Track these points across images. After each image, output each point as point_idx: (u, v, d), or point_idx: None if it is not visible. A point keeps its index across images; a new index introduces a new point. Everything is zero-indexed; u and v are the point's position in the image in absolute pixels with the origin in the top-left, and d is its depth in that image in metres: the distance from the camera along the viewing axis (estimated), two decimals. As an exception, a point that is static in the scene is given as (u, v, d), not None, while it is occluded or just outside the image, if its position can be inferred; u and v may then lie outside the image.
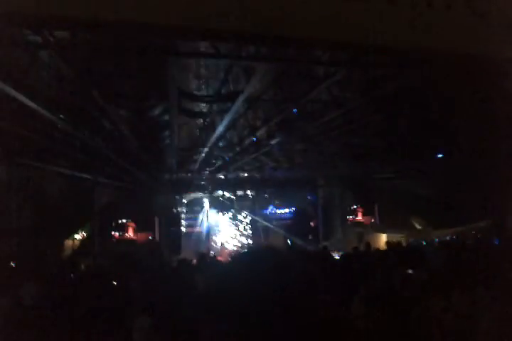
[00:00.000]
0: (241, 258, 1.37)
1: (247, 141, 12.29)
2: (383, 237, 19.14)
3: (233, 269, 1.32)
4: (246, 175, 16.99)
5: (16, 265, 9.37)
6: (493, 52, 4.50)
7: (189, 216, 20.26)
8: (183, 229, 18.91)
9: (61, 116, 8.26)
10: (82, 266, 11.47)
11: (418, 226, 20.00)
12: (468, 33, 4.43)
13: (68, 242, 15.16)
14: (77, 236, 15.83)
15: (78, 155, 11.26)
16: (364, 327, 4.19)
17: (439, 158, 14.69)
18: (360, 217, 20.36)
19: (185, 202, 18.73)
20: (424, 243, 14.26)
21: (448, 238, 15.79)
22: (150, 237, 17.08)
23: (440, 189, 16.51)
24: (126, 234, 16.90)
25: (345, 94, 8.80)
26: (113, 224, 16.78)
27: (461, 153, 13.38)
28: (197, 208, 20.74)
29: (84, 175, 13.75)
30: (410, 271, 7.87)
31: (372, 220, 20.30)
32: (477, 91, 8.06)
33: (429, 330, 4.11)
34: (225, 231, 20.67)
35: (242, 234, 20.78)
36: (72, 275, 9.24)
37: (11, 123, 7.73)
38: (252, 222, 20.71)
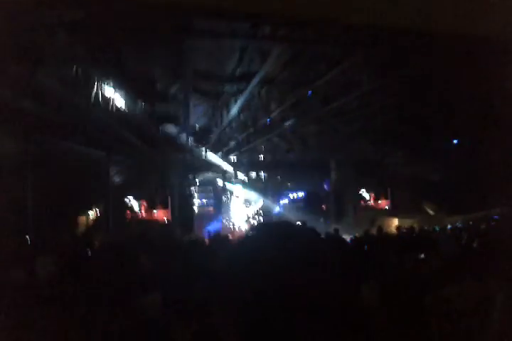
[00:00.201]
0: (255, 234, 1.37)
1: (260, 123, 12.26)
2: (395, 222, 19.12)
3: (245, 248, 1.33)
4: (259, 156, 16.99)
5: (30, 239, 9.52)
6: (494, 34, 4.41)
7: (202, 195, 20.37)
8: (195, 208, 19.03)
9: (76, 92, 8.27)
10: (95, 243, 11.65)
11: (430, 212, 19.93)
12: (469, 14, 4.33)
13: (82, 218, 15.33)
14: (91, 213, 16.00)
15: (93, 132, 11.31)
16: (375, 316, 4.22)
17: (454, 143, 14.57)
18: (372, 201, 20.34)
19: (198, 181, 18.79)
20: (437, 229, 14.18)
21: (460, 224, 15.70)
22: (163, 216, 17.21)
23: (453, 175, 16.40)
24: (139, 212, 17.05)
25: (360, 77, 8.71)
26: (126, 201, 16.92)
27: (476, 140, 13.25)
28: (209, 188, 20.83)
29: (99, 152, 13.84)
30: (422, 257, 7.88)
31: (385, 204, 20.28)
32: (490, 75, 7.92)
33: (440, 319, 4.12)
34: (238, 211, 20.78)
35: (254, 215, 20.88)
36: (85, 250, 9.38)
37: (24, 100, 7.76)
38: (264, 204, 20.78)
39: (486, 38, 4.46)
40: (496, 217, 14.28)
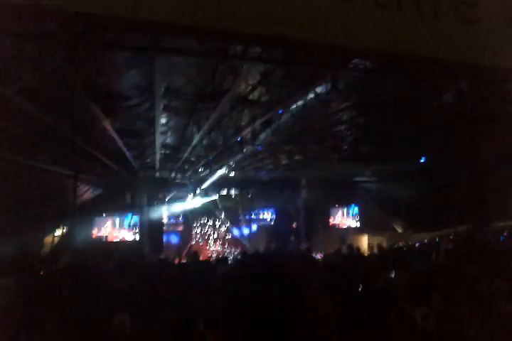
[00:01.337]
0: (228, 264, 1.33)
1: (231, 141, 12.24)
2: (365, 239, 19.28)
3: (217, 273, 1.28)
4: (230, 174, 16.93)
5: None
6: (481, 60, 4.53)
7: (171, 214, 20.18)
8: (164, 227, 18.80)
9: (42, 109, 8.12)
10: (61, 263, 11.37)
11: (399, 229, 20.18)
12: (456, 41, 4.44)
13: (48, 238, 14.97)
14: (58, 233, 15.64)
15: (59, 149, 11.12)
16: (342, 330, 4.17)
17: (422, 162, 14.83)
18: (342, 219, 20.46)
19: (167, 200, 18.61)
20: (405, 246, 14.36)
21: (426, 241, 15.94)
22: (131, 235, 16.91)
23: (421, 193, 16.67)
24: (106, 232, 16.72)
25: (330, 97, 8.80)
26: (93, 220, 16.59)
27: (444, 159, 13.51)
28: (179, 207, 20.64)
29: (66, 171, 13.60)
30: (392, 274, 7.93)
31: (354, 222, 20.43)
32: (461, 97, 8.13)
33: (408, 333, 4.11)
34: (207, 230, 20.61)
35: (224, 233, 20.75)
36: (50, 271, 9.15)
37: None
38: (234, 222, 20.68)
39: (451, 60, 4.55)
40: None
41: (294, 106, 9.28)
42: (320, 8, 4.00)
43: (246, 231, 20.60)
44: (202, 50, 6.08)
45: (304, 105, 8.91)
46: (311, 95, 8.33)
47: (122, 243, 16.53)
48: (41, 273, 9.41)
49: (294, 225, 20.66)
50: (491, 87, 6.12)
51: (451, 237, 14.85)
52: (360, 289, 5.86)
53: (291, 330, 1.07)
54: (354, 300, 5.24)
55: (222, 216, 20.66)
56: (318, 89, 8.11)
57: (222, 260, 11.43)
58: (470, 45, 4.48)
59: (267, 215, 21.43)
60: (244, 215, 20.97)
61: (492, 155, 11.34)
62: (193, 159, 15.52)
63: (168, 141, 13.13)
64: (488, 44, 4.53)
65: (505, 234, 13.98)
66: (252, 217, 21.28)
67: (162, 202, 18.19)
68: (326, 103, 9.09)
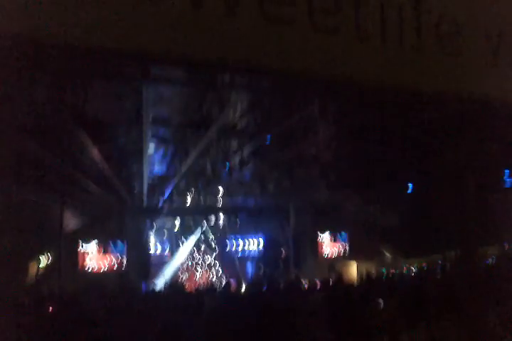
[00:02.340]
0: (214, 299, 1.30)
1: (219, 168, 12.27)
2: (353, 265, 19.16)
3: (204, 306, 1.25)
4: (217, 201, 16.87)
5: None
6: (466, 92, 4.60)
7: (158, 241, 19.96)
8: (151, 254, 18.54)
9: (30, 136, 8.10)
10: (46, 292, 11.13)
11: (388, 255, 20.12)
12: (441, 73, 4.51)
13: (32, 267, 14.71)
14: (42, 261, 15.38)
15: (46, 176, 11.05)
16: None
17: (409, 189, 14.94)
18: (330, 246, 20.37)
19: (155, 228, 18.42)
20: (394, 273, 14.29)
21: (416, 267, 15.89)
22: (118, 264, 16.67)
23: (410, 218, 16.71)
24: (93, 260, 16.48)
25: (316, 125, 8.89)
26: (80, 248, 16.35)
27: (430, 185, 13.61)
28: (167, 234, 20.45)
29: (52, 197, 13.47)
30: (381, 301, 7.87)
31: (343, 248, 20.34)
32: (447, 129, 8.23)
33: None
34: (195, 258, 20.36)
35: (212, 261, 20.52)
36: (35, 300, 8.93)
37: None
38: (223, 249, 20.47)
39: (435, 92, 4.62)
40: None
41: (281, 134, 9.35)
42: (306, 41, 4.06)
43: (235, 259, 20.36)
44: (189, 80, 6.14)
45: (291, 133, 8.97)
46: (297, 124, 8.42)
47: (109, 271, 16.28)
48: (24, 303, 9.20)
49: (283, 253, 20.49)
50: (474, 117, 6.21)
51: (439, 262, 14.82)
52: (349, 318, 5.81)
53: None
54: (344, 328, 5.19)
55: (210, 243, 20.46)
56: (306, 118, 8.20)
57: (209, 291, 11.25)
58: (453, 77, 4.55)
59: (256, 243, 21.26)
60: (233, 243, 20.78)
61: (477, 182, 11.43)
62: (181, 186, 15.48)
63: (156, 168, 13.12)
64: (471, 75, 4.61)
65: (491, 259, 13.99)
66: (241, 245, 21.09)
67: (149, 230, 18.00)
68: (313, 130, 9.17)
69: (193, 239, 20.04)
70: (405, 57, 4.41)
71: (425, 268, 14.63)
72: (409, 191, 15.06)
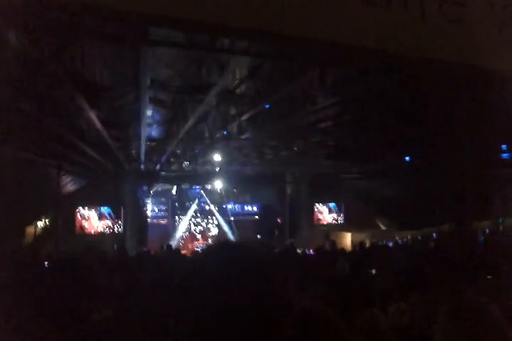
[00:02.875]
0: (210, 253, 1.29)
1: (217, 134, 12.21)
2: (348, 236, 19.38)
3: (199, 264, 1.25)
4: (215, 168, 16.91)
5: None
6: (469, 60, 4.54)
7: (155, 207, 20.12)
8: (148, 220, 18.71)
9: (27, 99, 8.01)
10: (44, 254, 11.26)
11: (382, 227, 20.32)
12: (444, 41, 4.45)
13: (30, 229, 14.83)
14: (40, 224, 15.51)
15: (44, 140, 11.00)
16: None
17: (407, 161, 14.94)
18: (326, 216, 20.55)
19: (152, 193, 18.52)
20: (390, 244, 14.45)
21: (409, 239, 16.06)
22: (115, 227, 16.81)
23: (405, 191, 16.79)
24: (90, 223, 16.61)
25: (317, 93, 8.80)
26: (77, 212, 16.47)
27: (429, 158, 13.61)
28: (164, 200, 20.58)
29: (50, 161, 13.46)
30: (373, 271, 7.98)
31: (338, 219, 20.54)
32: (449, 97, 8.17)
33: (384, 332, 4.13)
34: (192, 224, 20.55)
35: (209, 228, 20.71)
36: (32, 262, 9.05)
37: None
38: (219, 216, 20.63)
39: (437, 60, 4.57)
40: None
41: (282, 101, 9.28)
42: (308, 4, 3.98)
43: (231, 225, 20.55)
44: (189, 43, 6.04)
45: (290, 99, 8.91)
46: (298, 91, 8.34)
47: (105, 235, 16.45)
48: (23, 264, 9.32)
49: (279, 220, 20.68)
50: (475, 87, 6.16)
51: (434, 235, 14.97)
52: (339, 284, 5.88)
53: (264, 321, 1.06)
54: (333, 294, 5.25)
55: (207, 210, 20.61)
56: (306, 85, 8.12)
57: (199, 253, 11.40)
58: (456, 45, 4.49)
59: (252, 210, 21.44)
60: (230, 209, 20.94)
61: (476, 155, 11.45)
62: (178, 152, 15.46)
63: (154, 133, 13.06)
64: (473, 44, 4.55)
65: (487, 232, 14.14)
66: (238, 211, 21.27)
67: (147, 194, 18.10)
68: (312, 98, 9.09)
69: (189, 204, 20.21)
70: (408, 23, 4.35)
71: (420, 240, 14.80)
72: (406, 163, 15.07)
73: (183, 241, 19.77)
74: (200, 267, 1.21)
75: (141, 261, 8.91)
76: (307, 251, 12.53)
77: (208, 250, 1.37)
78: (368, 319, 3.59)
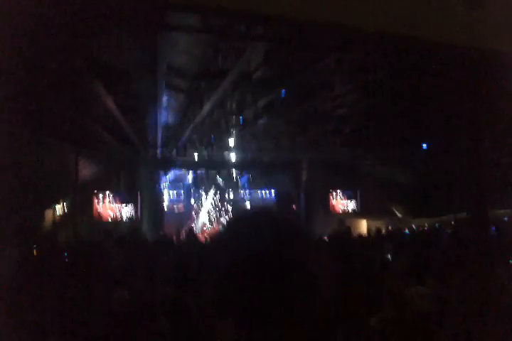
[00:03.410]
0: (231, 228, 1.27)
1: (233, 121, 12.22)
2: (363, 223, 19.35)
3: (219, 245, 1.24)
4: (231, 155, 16.95)
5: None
6: (489, 45, 4.49)
7: (171, 193, 20.24)
8: (165, 206, 18.87)
9: (44, 83, 8.07)
10: (62, 237, 11.46)
11: (398, 214, 20.23)
12: (463, 25, 4.39)
13: (48, 213, 15.04)
14: (58, 207, 15.71)
15: (61, 124, 11.11)
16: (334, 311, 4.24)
17: (423, 147, 14.81)
18: (341, 203, 20.50)
19: (168, 178, 18.65)
20: (407, 231, 14.41)
21: (426, 227, 15.98)
22: (132, 213, 16.99)
23: (422, 179, 16.67)
24: (107, 208, 16.80)
25: (333, 79, 8.75)
26: (94, 197, 16.66)
27: (445, 145, 13.49)
28: (180, 186, 20.69)
29: (68, 146, 13.60)
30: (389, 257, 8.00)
31: (354, 206, 20.48)
32: (468, 84, 8.06)
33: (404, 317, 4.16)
34: (208, 210, 20.67)
35: (224, 214, 20.82)
36: (51, 246, 9.22)
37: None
38: (235, 202, 20.73)
39: (455, 44, 4.51)
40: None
41: (298, 87, 9.25)
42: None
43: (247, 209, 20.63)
44: (205, 28, 6.04)
45: (306, 86, 8.87)
46: (314, 77, 8.30)
47: (123, 220, 16.63)
48: (42, 247, 9.49)
49: (294, 207, 20.70)
50: (495, 72, 6.07)
51: (452, 223, 14.87)
52: (356, 269, 5.91)
53: (287, 299, 1.05)
54: (351, 278, 5.29)
55: (223, 195, 20.71)
56: (322, 71, 8.08)
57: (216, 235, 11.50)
58: (475, 30, 4.43)
59: (267, 196, 21.48)
60: (245, 195, 21.01)
61: (494, 143, 11.32)
62: (194, 137, 15.52)
63: (170, 118, 13.11)
64: (493, 29, 4.49)
65: (505, 220, 14.03)
66: (253, 197, 21.31)
67: (163, 180, 18.24)
68: (329, 85, 9.04)
69: (206, 191, 20.34)
70: (424, 7, 4.29)
71: (437, 227, 14.74)
72: (424, 150, 14.93)
73: (200, 227, 19.92)
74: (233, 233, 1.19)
75: (160, 245, 9.02)
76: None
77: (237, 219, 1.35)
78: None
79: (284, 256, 1.09)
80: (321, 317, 1.09)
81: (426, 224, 16.50)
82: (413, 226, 16.52)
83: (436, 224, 15.83)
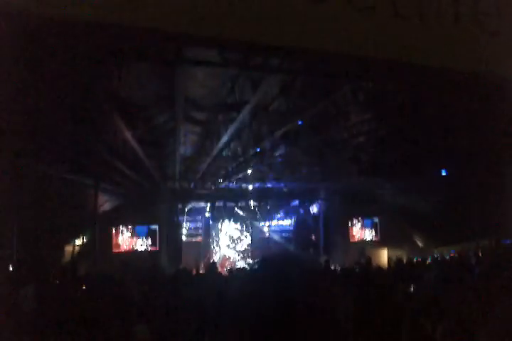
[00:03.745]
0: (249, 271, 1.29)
1: (250, 152, 12.27)
2: (384, 253, 19.05)
3: (235, 283, 1.26)
4: (249, 185, 16.96)
5: (14, 268, 9.30)
6: (502, 71, 4.48)
7: (190, 225, 20.21)
8: (183, 238, 18.84)
9: (65, 118, 8.23)
10: (82, 272, 11.45)
11: (419, 243, 19.89)
12: (477, 51, 4.40)
13: (69, 247, 15.09)
14: (78, 242, 15.76)
15: (81, 159, 11.25)
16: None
17: (442, 175, 14.67)
18: (361, 232, 20.27)
19: (187, 211, 18.67)
20: (430, 260, 14.11)
21: (448, 256, 15.66)
22: (150, 246, 16.97)
23: (442, 206, 16.44)
24: (126, 242, 16.82)
25: (349, 108, 8.78)
26: (114, 230, 16.71)
27: (465, 172, 13.35)
28: (198, 218, 20.67)
29: (87, 180, 13.73)
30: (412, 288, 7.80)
31: (374, 235, 20.23)
32: (484, 109, 8.02)
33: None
34: (226, 241, 20.58)
35: (242, 245, 20.69)
36: (71, 280, 9.20)
37: (13, 123, 7.69)
38: (253, 233, 20.63)
39: (472, 72, 4.51)
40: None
41: (314, 118, 9.29)
42: (338, 19, 4.00)
43: (265, 242, 20.49)
44: (222, 61, 6.14)
45: (323, 115, 8.91)
46: (330, 107, 8.35)
47: (141, 253, 16.61)
48: (62, 282, 9.48)
49: (313, 237, 20.50)
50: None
51: (478, 252, 14.56)
52: (376, 301, 5.76)
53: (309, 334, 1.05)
54: (370, 311, 5.17)
55: (241, 226, 20.64)
56: (337, 101, 8.12)
57: (240, 270, 11.39)
58: (495, 58, 4.43)
59: (286, 227, 21.36)
60: (264, 226, 20.92)
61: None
62: (212, 169, 15.58)
63: (188, 151, 13.21)
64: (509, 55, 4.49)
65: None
66: (272, 228, 21.20)
67: (182, 212, 18.27)
68: (346, 114, 9.07)
69: (224, 223, 20.29)
70: (442, 35, 4.32)
71: (457, 256, 14.43)
72: (442, 177, 14.78)
73: (219, 259, 19.78)
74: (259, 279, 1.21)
75: (180, 279, 8.94)
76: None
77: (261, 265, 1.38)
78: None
79: (309, 303, 1.11)
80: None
81: (446, 253, 16.19)
82: (435, 255, 16.21)
83: (456, 254, 15.48)
